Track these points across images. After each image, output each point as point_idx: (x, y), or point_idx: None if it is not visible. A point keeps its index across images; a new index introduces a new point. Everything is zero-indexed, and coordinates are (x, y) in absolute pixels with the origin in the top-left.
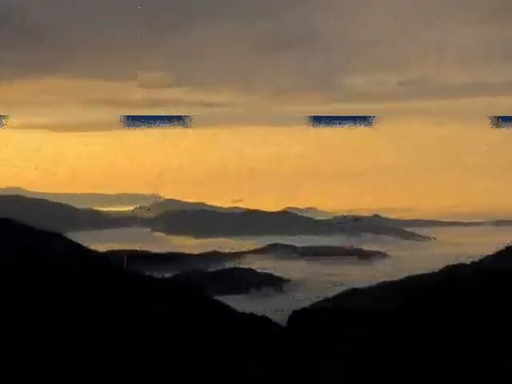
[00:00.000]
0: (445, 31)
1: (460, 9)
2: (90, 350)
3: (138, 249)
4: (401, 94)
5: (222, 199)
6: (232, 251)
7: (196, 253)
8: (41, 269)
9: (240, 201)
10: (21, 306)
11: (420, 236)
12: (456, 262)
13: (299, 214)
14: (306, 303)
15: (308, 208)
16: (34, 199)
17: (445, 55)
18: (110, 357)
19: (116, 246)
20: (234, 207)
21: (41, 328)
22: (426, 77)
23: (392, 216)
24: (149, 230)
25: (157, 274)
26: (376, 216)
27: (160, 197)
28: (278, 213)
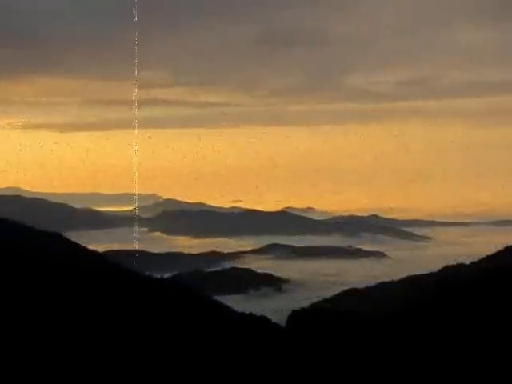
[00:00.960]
0: (447, 31)
1: (462, 9)
2: (89, 350)
3: (136, 248)
4: (402, 93)
5: (221, 199)
6: (231, 251)
7: (195, 253)
8: (40, 269)
9: (239, 201)
10: (20, 306)
11: (419, 236)
12: (455, 262)
13: (298, 213)
14: (306, 303)
15: (307, 208)
16: (33, 199)
17: (447, 55)
18: (110, 357)
19: (115, 246)
20: (233, 207)
21: (40, 328)
22: (428, 77)
23: (390, 216)
24: (148, 229)
25: (156, 274)
26: (374, 216)
27: (159, 196)
28: (276, 213)
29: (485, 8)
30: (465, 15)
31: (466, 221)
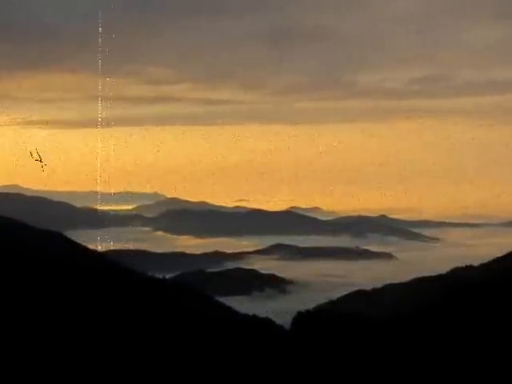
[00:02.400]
0: (456, 30)
1: (471, 7)
2: (90, 349)
3: (139, 248)
4: (413, 92)
5: (225, 198)
6: (234, 251)
7: (198, 253)
8: (40, 268)
9: (243, 200)
10: (20, 305)
11: (427, 237)
12: (464, 264)
13: (303, 213)
14: (311, 304)
15: (313, 208)
16: (33, 197)
17: (456, 54)
18: (111, 357)
19: (116, 246)
20: (237, 206)
21: (41, 327)
22: (441, 75)
23: (399, 216)
24: (150, 229)
25: (158, 274)
26: (383, 216)
27: (162, 195)
28: (281, 212)
29: (497, 6)
30: (477, 14)
31: (475, 222)
